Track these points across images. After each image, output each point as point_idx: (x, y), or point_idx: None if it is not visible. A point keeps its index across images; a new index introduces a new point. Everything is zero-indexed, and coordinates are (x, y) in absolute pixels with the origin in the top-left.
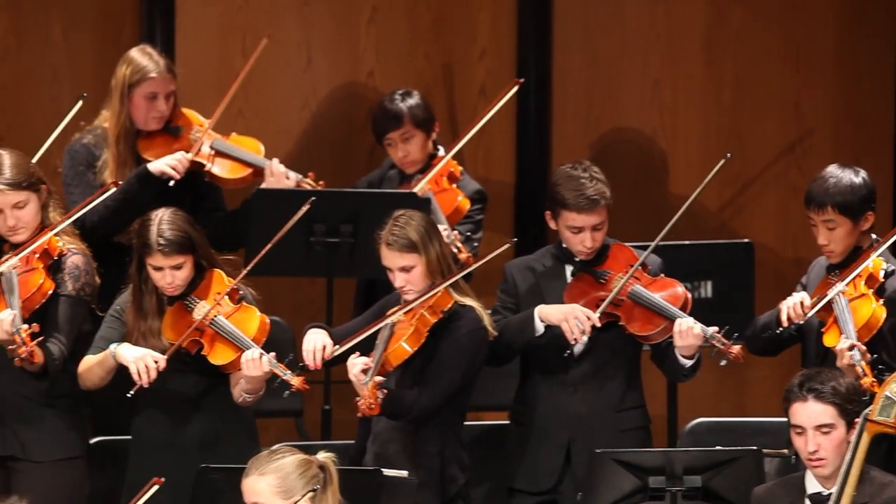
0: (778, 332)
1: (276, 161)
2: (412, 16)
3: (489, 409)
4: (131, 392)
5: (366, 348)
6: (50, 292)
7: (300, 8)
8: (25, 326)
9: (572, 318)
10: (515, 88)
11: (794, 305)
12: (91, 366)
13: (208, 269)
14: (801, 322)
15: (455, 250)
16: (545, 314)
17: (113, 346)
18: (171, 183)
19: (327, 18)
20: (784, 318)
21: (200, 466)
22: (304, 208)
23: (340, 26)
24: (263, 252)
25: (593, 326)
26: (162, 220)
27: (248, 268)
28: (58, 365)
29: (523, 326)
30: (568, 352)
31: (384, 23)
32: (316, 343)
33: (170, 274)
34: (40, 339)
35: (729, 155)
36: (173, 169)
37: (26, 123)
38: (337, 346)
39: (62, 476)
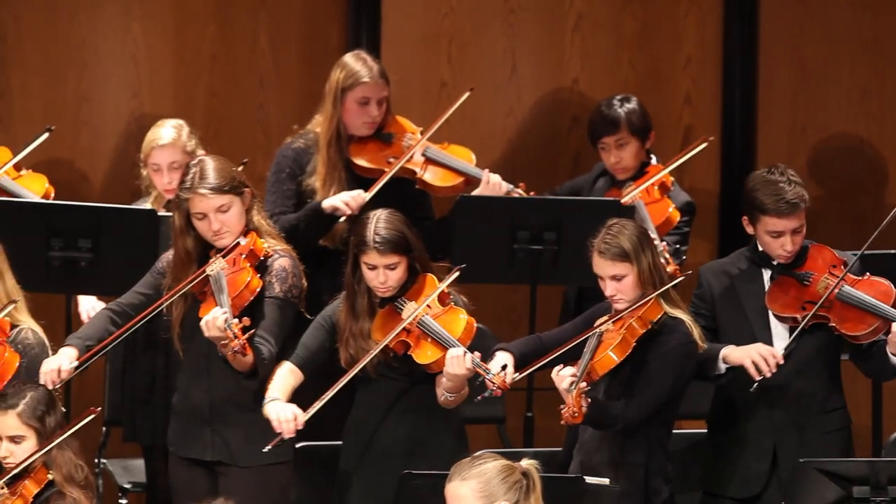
0: None
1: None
2: (617, 23)
3: (688, 417)
4: (268, 447)
5: (568, 358)
6: (258, 290)
7: (506, 16)
8: (236, 321)
9: (758, 357)
10: (704, 145)
11: None
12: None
13: (421, 273)
14: None
15: (663, 261)
16: (728, 356)
17: (268, 397)
18: (343, 219)
19: (532, 26)
20: None
21: (403, 472)
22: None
23: (545, 34)
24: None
25: (796, 334)
26: (379, 219)
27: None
28: (267, 366)
29: (704, 365)
30: (753, 386)
31: (589, 30)
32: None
33: (383, 273)
34: (252, 332)
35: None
36: (347, 205)
37: (233, 130)
38: (516, 374)
39: (268, 481)
